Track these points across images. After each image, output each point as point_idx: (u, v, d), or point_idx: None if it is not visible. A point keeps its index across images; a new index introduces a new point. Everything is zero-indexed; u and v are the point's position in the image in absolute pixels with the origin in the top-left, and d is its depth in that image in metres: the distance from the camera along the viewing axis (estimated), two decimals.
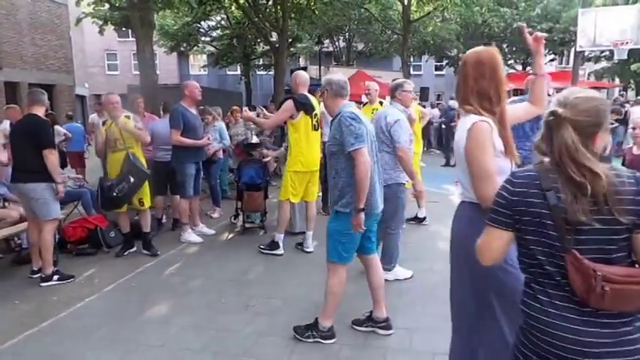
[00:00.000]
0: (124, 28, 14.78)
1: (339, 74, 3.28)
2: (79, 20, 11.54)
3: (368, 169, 2.81)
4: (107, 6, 10.03)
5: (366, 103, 6.29)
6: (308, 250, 4.97)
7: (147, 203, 4.93)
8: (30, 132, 3.89)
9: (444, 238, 5.33)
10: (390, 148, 3.86)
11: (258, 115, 5.26)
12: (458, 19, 20.25)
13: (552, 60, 28.27)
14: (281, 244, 4.91)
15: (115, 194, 4.47)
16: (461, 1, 17.17)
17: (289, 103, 4.67)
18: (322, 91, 3.19)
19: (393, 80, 4.40)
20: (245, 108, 7.19)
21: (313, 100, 4.78)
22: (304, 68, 20.81)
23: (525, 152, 4.60)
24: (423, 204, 6.00)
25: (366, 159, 2.80)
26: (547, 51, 25.33)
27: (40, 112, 4.06)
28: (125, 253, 4.91)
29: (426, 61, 29.27)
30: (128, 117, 4.80)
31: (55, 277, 4.13)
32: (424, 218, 6.02)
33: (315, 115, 4.76)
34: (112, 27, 12.37)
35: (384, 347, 3.02)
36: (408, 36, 18.90)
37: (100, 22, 11.10)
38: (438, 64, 30.86)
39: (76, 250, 4.98)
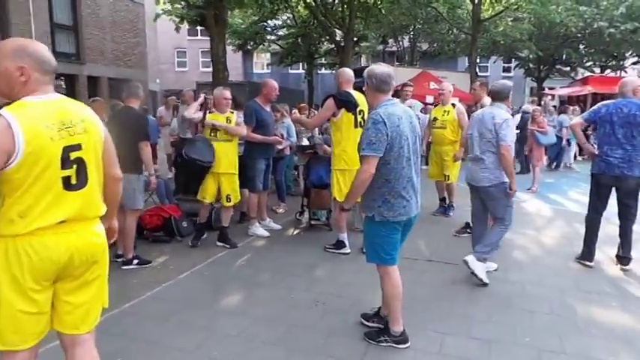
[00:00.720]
0: (198, 27, 15.36)
1: (383, 66, 2.95)
2: (157, 16, 12.14)
3: (367, 178, 2.76)
4: (184, 4, 10.46)
5: (438, 104, 6.27)
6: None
7: (234, 200, 5.03)
8: (127, 124, 4.07)
9: (517, 246, 5.12)
10: (494, 148, 3.97)
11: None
12: (532, 19, 19.22)
13: (635, 63, 26.19)
14: (347, 243, 4.88)
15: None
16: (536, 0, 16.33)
17: (330, 102, 4.68)
18: (365, 83, 2.95)
19: (493, 84, 4.37)
20: (295, 110, 7.25)
21: (358, 96, 4.67)
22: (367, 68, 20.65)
23: (616, 160, 4.30)
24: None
25: (369, 169, 2.74)
26: (630, 53, 23.52)
27: (136, 105, 4.31)
28: (199, 244, 5.05)
29: (494, 62, 28.12)
30: (232, 112, 5.07)
31: (135, 261, 4.35)
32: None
33: (361, 111, 4.65)
34: (188, 25, 12.88)
35: (462, 357, 2.90)
36: (477, 35, 18.20)
37: (177, 20, 11.61)
38: (507, 65, 29.59)
39: (152, 237, 5.22)
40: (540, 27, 20.58)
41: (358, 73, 18.52)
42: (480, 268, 4.01)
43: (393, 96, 2.96)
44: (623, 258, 4.46)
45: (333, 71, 22.52)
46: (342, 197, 4.65)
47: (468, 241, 5.30)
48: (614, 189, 4.43)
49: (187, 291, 3.90)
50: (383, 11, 15.72)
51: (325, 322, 3.33)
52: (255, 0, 10.27)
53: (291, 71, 28.03)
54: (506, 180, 4.03)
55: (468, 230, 5.55)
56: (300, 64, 24.47)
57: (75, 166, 1.85)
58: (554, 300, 3.73)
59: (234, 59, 29.49)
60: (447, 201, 6.51)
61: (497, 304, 3.64)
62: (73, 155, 1.84)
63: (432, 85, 16.62)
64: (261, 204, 5.67)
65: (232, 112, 5.09)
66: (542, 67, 25.44)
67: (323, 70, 25.87)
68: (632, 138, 4.23)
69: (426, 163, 7.21)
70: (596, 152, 4.45)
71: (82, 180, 1.88)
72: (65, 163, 1.81)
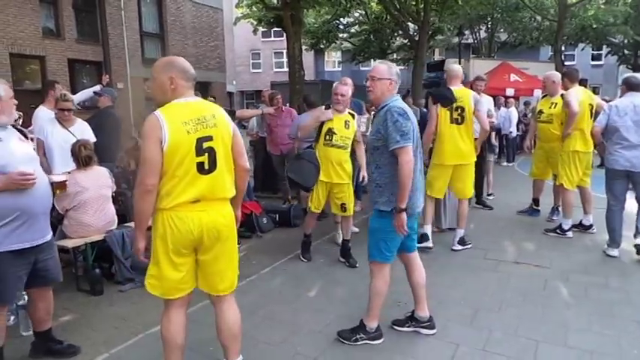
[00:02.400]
0: (276, 28, 15.77)
1: (387, 62, 3.04)
2: (237, 20, 12.65)
3: (412, 168, 2.71)
4: (261, 6, 10.77)
5: (545, 95, 5.64)
6: (455, 248, 4.84)
7: (349, 211, 4.52)
8: None
9: (618, 250, 4.67)
10: None
11: None
12: (628, 0, 17.49)
13: None
14: (430, 237, 4.79)
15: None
16: None
17: (430, 101, 4.77)
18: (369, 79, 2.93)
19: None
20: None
21: (459, 92, 4.62)
22: (442, 62, 20.02)
23: None
24: (590, 210, 5.30)
25: (411, 158, 2.70)
26: None
27: None
28: (310, 257, 4.67)
29: (582, 49, 25.97)
30: (352, 115, 4.52)
31: None
32: (590, 226, 5.29)
33: (458, 107, 4.58)
34: (264, 27, 13.28)
35: None
36: (564, 22, 16.90)
37: (255, 22, 12.00)
38: (596, 52, 27.26)
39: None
40: (638, 8, 18.68)
41: (432, 67, 18.10)
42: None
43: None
44: None
45: (406, 66, 22.09)
46: (441, 194, 4.93)
47: (558, 242, 4.98)
48: None
49: (271, 286, 4.02)
50: (459, 2, 15.08)
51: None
52: None
53: (362, 68, 27.89)
54: None
55: (558, 230, 5.20)
56: (372, 61, 24.25)
57: (207, 154, 2.23)
58: None
59: (306, 58, 29.94)
60: (554, 204, 5.87)
61: (597, 312, 3.36)
62: (206, 145, 2.23)
63: (513, 77, 15.73)
64: None
65: (352, 115, 4.50)
66: (639, 52, 23.08)
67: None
68: None
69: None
70: None
71: (212, 165, 2.26)
72: (199, 151, 2.21)
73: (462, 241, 4.84)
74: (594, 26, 19.56)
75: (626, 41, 22.14)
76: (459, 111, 4.60)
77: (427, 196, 4.63)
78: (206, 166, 2.23)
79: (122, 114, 6.87)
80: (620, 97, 4.72)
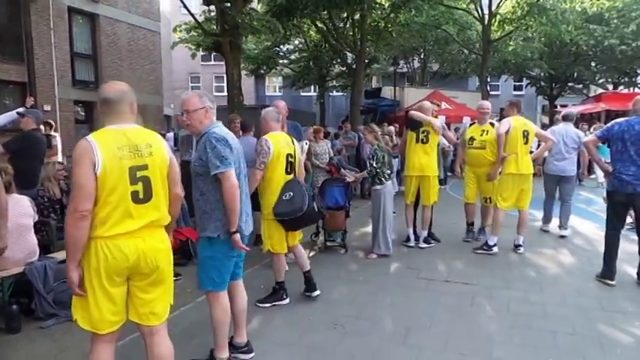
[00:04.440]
0: (212, 53, 15.72)
1: (197, 92, 2.95)
2: (174, 44, 12.50)
3: (235, 192, 2.72)
4: (200, 32, 10.75)
5: (473, 123, 6.14)
6: (421, 246, 5.84)
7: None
8: None
9: (536, 266, 5.05)
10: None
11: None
12: (542, 38, 19.29)
13: None
14: (411, 237, 5.90)
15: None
16: (547, 19, 16.42)
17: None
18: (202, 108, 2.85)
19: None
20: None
21: (426, 119, 5.61)
22: (379, 89, 20.86)
23: (628, 177, 4.28)
24: (522, 232, 5.64)
25: (233, 182, 2.71)
26: None
27: None
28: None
29: (505, 80, 28.16)
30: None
31: None
32: (519, 246, 5.60)
33: (424, 131, 5.62)
34: (202, 52, 13.21)
35: None
36: (488, 56, 18.33)
37: (193, 47, 11.92)
38: (518, 83, 29.60)
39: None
40: (551, 46, 20.66)
41: (369, 94, 18.86)
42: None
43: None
44: None
45: (345, 93, 22.79)
46: (411, 200, 5.88)
47: (485, 260, 5.29)
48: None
49: (206, 314, 3.91)
50: (393, 34, 15.95)
51: (345, 344, 3.32)
52: (269, 26, 10.51)
53: (302, 94, 28.37)
54: None
55: (484, 247, 5.52)
56: (312, 86, 24.77)
57: (141, 183, 2.22)
58: (576, 320, 3.67)
59: (246, 83, 29.96)
60: (481, 224, 6.23)
61: (518, 325, 3.59)
62: (140, 174, 2.22)
63: (444, 105, 16.69)
64: None
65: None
66: (554, 84, 25.39)
67: (334, 93, 26.15)
68: None
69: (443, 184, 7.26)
70: (610, 170, 4.43)
71: (148, 195, 2.25)
72: (133, 179, 2.19)
73: (426, 240, 5.85)
74: (514, 60, 21.36)
75: (542, 74, 24.32)
76: (425, 133, 5.60)
77: (405, 203, 5.91)
78: (141, 195, 2.21)
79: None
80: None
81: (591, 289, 4.40)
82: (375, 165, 5.34)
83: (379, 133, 5.72)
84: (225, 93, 10.48)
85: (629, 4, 20.06)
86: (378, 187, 5.42)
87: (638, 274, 4.46)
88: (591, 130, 11.66)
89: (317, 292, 4.18)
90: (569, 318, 3.71)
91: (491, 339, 3.36)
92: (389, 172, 5.58)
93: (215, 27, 10.63)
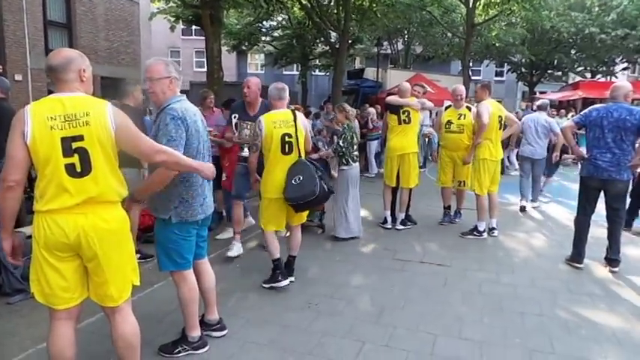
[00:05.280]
0: (194, 26, 15.31)
1: (163, 60, 2.77)
2: (152, 15, 12.11)
3: (164, 177, 2.51)
4: (179, 3, 10.41)
5: (449, 106, 6.09)
6: (398, 228, 5.92)
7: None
8: None
9: (509, 249, 5.16)
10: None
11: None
12: (524, 24, 19.39)
13: (625, 69, 26.48)
14: (388, 219, 5.96)
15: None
16: (529, 4, 16.46)
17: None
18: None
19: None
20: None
21: (403, 103, 5.69)
22: (362, 70, 20.71)
23: (604, 164, 4.37)
24: (495, 214, 5.71)
25: None
26: (620, 58, 23.76)
27: (132, 103, 4.42)
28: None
29: (487, 65, 28.32)
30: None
31: (137, 255, 4.29)
32: (494, 229, 5.67)
33: (405, 111, 5.66)
34: (182, 24, 12.85)
35: (453, 358, 2.92)
36: (471, 39, 18.34)
37: (172, 19, 11.55)
38: (499, 69, 29.81)
39: (145, 237, 5.19)
40: (533, 32, 20.80)
41: (352, 75, 18.73)
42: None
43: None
44: (612, 260, 4.54)
45: (328, 73, 22.57)
46: (392, 182, 5.87)
47: (459, 242, 5.37)
48: (602, 192, 4.50)
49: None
50: (378, 14, 15.73)
51: (318, 323, 3.34)
52: (251, 1, 10.24)
53: (285, 72, 28.02)
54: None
55: (475, 232, 5.56)
56: (295, 65, 24.46)
57: (77, 155, 2.07)
58: (544, 302, 3.77)
59: (228, 59, 29.40)
60: (457, 207, 6.32)
61: (489, 306, 3.67)
62: (75, 145, 2.06)
63: (426, 88, 16.73)
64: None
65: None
66: (534, 71, 25.70)
67: (317, 72, 25.89)
68: (621, 142, 4.30)
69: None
70: (586, 155, 4.50)
71: (86, 167, 2.10)
72: (67, 151, 2.05)
73: (403, 223, 5.93)
74: (497, 45, 21.45)
75: (523, 60, 24.53)
76: (406, 114, 5.66)
77: (384, 184, 5.95)
78: (78, 169, 2.07)
79: (19, 108, 6.26)
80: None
81: (560, 271, 4.52)
82: (341, 144, 5.14)
83: (351, 113, 5.48)
84: (206, 68, 10.25)
85: None
86: (344, 167, 5.25)
87: (605, 258, 4.60)
88: (569, 116, 11.89)
89: (292, 278, 4.09)
90: (538, 300, 3.81)
91: (462, 319, 3.43)
92: (356, 153, 5.37)
93: None
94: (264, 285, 3.96)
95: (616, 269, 4.49)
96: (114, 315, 2.32)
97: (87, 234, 2.11)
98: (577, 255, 4.61)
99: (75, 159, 2.06)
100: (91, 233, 2.12)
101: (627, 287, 4.16)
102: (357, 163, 5.44)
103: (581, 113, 4.72)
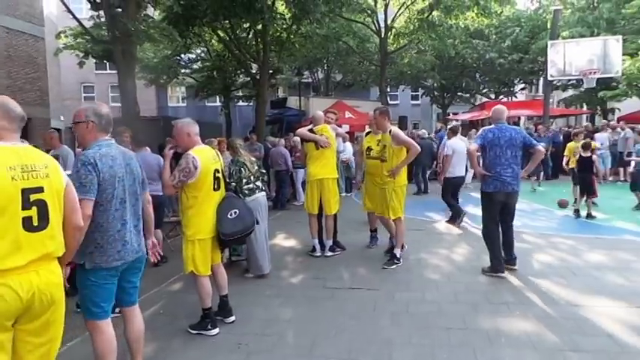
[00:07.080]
0: (105, 61, 14.70)
1: (106, 107, 2.79)
2: (58, 51, 11.46)
3: (86, 224, 2.44)
4: (88, 38, 9.99)
5: (369, 132, 5.98)
6: (327, 254, 5.94)
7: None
8: None
9: (432, 266, 5.37)
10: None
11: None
12: (432, 51, 20.89)
13: (523, 89, 29.28)
14: (317, 248, 5.99)
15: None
16: (435, 34, 17.79)
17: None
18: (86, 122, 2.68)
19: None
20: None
21: (321, 129, 5.88)
22: (284, 99, 21.02)
23: (508, 178, 4.79)
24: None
25: (87, 213, 2.46)
26: (518, 80, 26.21)
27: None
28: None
29: (403, 90, 29.98)
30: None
31: None
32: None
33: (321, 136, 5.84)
34: (93, 60, 12.27)
35: None
36: (386, 67, 19.39)
37: (81, 55, 11.01)
38: (414, 93, 31.64)
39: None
40: (441, 58, 22.39)
41: (275, 104, 18.87)
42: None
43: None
44: (511, 259, 5.07)
45: (251, 103, 22.59)
46: (315, 210, 5.90)
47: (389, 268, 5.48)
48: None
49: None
50: (296, 45, 16.17)
51: None
52: (166, 35, 10.05)
53: (207, 104, 27.62)
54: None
55: (395, 261, 5.44)
56: (217, 97, 24.22)
57: (36, 208, 1.96)
58: (467, 315, 3.94)
59: (147, 93, 28.45)
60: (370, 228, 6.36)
61: (416, 326, 3.76)
62: (34, 197, 1.95)
63: (347, 114, 17.31)
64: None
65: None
66: (445, 94, 27.61)
67: (240, 103, 25.83)
68: (515, 157, 4.91)
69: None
70: (489, 174, 4.89)
71: (43, 221, 1.99)
72: (25, 203, 1.92)
73: (332, 249, 5.98)
74: (409, 71, 22.86)
75: (435, 85, 26.28)
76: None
77: (308, 213, 5.94)
78: (35, 222, 1.95)
79: None
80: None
81: (480, 284, 4.77)
82: (228, 180, 4.54)
83: (240, 148, 5.14)
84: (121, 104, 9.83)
85: (504, 21, 22.48)
86: (247, 199, 4.81)
87: (506, 261, 5.03)
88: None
89: (232, 318, 3.94)
90: (461, 314, 3.98)
91: (392, 342, 3.48)
92: (252, 186, 4.98)
93: (106, 33, 9.93)
94: (191, 331, 3.77)
95: (515, 267, 5.05)
96: None
97: (42, 292, 1.97)
98: (498, 264, 4.93)
99: (33, 212, 1.94)
100: (45, 291, 1.99)
101: (535, 292, 4.46)
102: (262, 193, 5.11)
103: (479, 135, 5.14)
